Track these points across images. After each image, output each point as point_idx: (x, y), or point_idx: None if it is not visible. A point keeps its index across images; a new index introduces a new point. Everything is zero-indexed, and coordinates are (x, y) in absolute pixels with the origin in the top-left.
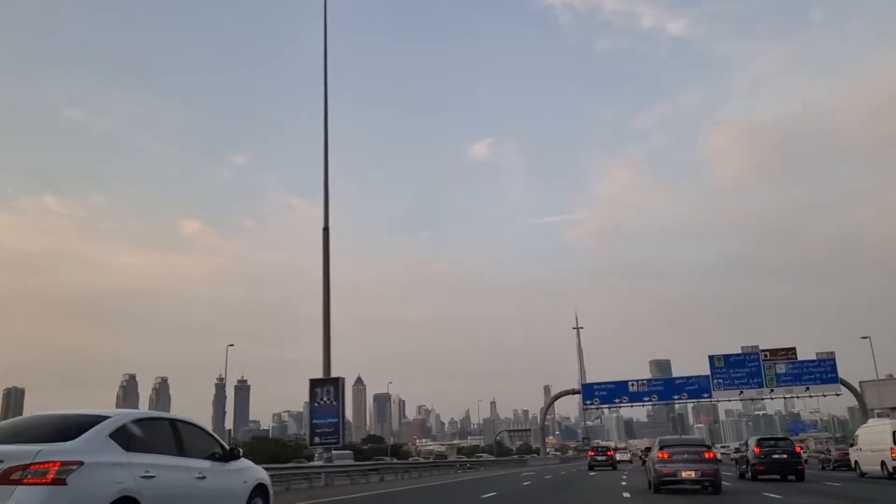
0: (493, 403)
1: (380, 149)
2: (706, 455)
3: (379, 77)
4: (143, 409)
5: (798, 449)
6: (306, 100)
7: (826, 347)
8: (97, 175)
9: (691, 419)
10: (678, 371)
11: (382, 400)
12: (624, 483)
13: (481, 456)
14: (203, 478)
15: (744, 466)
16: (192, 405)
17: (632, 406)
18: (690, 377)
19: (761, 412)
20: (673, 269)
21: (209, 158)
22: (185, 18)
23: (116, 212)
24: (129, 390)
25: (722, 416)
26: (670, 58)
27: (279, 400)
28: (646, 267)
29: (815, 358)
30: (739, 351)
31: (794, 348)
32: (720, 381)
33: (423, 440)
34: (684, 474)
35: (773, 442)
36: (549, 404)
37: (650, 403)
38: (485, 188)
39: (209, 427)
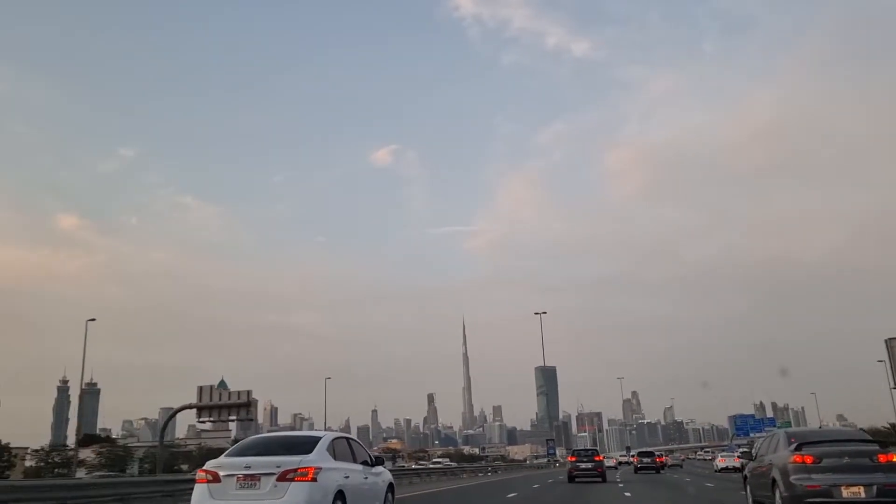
0: (374, 412)
1: (282, 151)
2: (881, 458)
3: (282, 80)
4: None
5: None
6: (206, 93)
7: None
8: None
9: (575, 428)
10: (564, 378)
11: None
12: None
13: None
14: (366, 478)
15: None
16: (27, 410)
17: None
18: None
19: (644, 421)
20: (562, 282)
21: (92, 149)
22: None
23: None
24: None
25: (605, 425)
26: (572, 78)
27: (138, 406)
28: (536, 280)
29: None
30: None
31: None
32: None
33: None
34: (847, 492)
35: None
36: None
37: None
38: (384, 195)
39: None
